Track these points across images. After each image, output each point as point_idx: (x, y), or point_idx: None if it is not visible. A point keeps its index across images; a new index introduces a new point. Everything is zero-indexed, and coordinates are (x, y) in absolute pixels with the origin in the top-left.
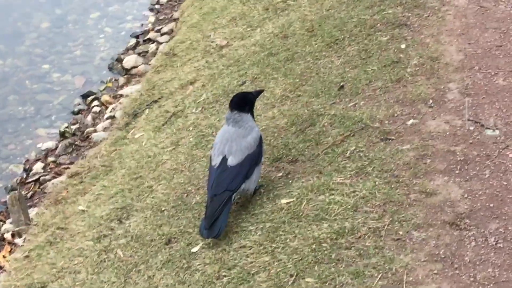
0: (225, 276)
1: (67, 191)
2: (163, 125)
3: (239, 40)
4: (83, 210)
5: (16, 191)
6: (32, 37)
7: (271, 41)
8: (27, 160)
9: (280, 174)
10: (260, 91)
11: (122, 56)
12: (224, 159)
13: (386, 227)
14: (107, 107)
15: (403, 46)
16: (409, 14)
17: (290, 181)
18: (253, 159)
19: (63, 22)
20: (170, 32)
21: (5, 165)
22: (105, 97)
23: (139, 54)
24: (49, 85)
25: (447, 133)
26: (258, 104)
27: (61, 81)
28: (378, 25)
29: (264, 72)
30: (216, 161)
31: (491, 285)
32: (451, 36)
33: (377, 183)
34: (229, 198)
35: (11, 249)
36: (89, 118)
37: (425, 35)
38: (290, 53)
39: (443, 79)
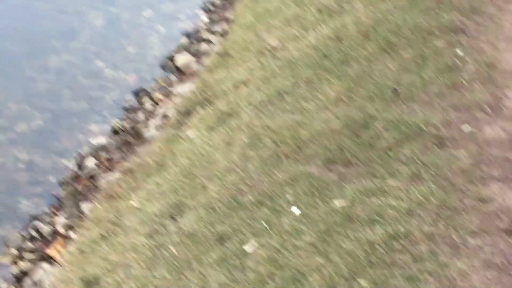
0: (277, 276)
1: (120, 187)
2: (216, 124)
3: (293, 41)
4: (135, 207)
5: (69, 185)
6: (86, 34)
7: (324, 43)
8: (80, 155)
9: (334, 176)
10: None
11: (174, 55)
12: None
13: (441, 232)
14: (159, 105)
15: (459, 51)
16: (466, 20)
17: (344, 183)
18: None
19: (117, 20)
20: (223, 32)
21: (58, 159)
22: (157, 95)
23: (191, 53)
24: (102, 82)
25: (504, 140)
26: (312, 105)
27: (114, 77)
28: (434, 30)
29: (318, 74)
30: None
31: None
32: (508, 43)
33: (431, 188)
34: None
35: (64, 242)
36: (141, 115)
37: (481, 41)
38: (344, 56)
39: (500, 86)
